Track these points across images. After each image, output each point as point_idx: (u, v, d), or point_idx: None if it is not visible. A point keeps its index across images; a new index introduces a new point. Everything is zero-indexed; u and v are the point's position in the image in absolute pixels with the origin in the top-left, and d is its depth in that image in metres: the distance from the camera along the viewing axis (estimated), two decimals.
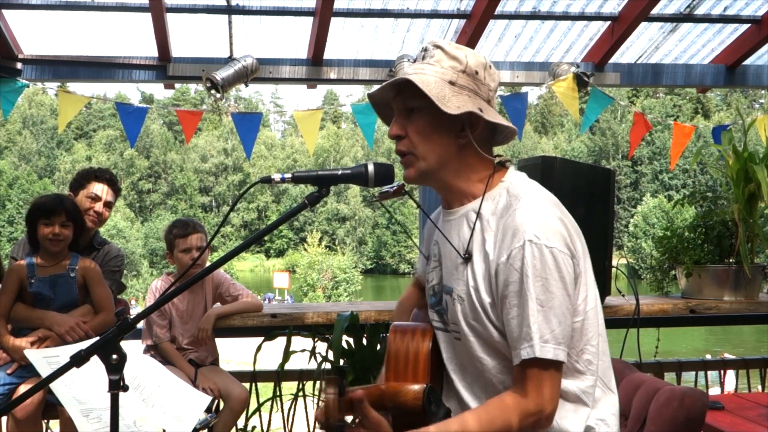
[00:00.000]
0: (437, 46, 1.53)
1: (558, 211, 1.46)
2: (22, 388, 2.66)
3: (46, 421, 3.01)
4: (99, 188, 3.18)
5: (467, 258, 1.50)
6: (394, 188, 1.78)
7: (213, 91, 3.67)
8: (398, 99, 1.54)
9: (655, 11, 4.06)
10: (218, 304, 3.26)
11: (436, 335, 1.61)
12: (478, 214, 1.51)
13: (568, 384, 1.44)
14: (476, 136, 1.51)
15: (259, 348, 3.23)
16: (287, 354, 3.18)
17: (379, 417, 1.37)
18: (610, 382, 1.53)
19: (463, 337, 1.51)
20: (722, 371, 3.92)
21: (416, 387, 1.46)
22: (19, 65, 3.86)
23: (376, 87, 1.57)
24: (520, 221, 1.40)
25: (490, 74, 1.55)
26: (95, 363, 1.35)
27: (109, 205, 3.23)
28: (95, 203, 3.16)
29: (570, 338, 1.41)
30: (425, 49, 1.56)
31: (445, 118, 1.46)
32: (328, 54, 4.07)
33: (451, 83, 1.49)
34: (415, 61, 1.60)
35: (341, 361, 3.05)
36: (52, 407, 2.71)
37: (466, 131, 1.50)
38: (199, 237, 3.09)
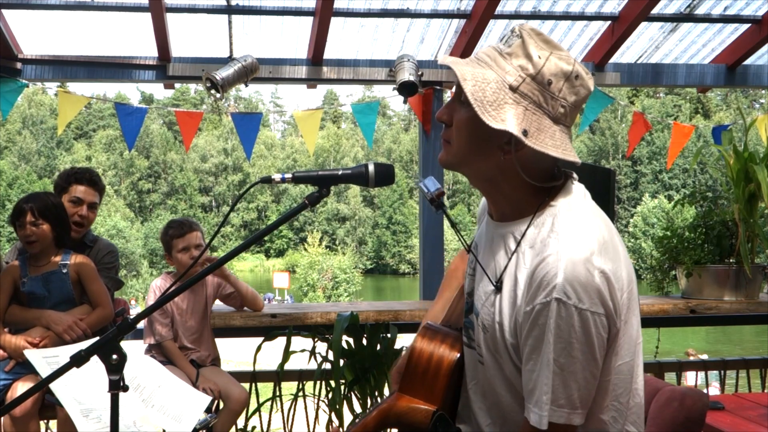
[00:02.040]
0: (519, 35, 1.29)
1: (600, 259, 1.25)
2: (19, 386, 2.66)
3: (45, 421, 3.01)
4: (80, 190, 3.11)
5: (498, 287, 1.36)
6: (435, 192, 1.60)
7: (213, 91, 3.66)
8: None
9: (655, 11, 4.05)
10: (219, 302, 3.27)
11: (463, 349, 1.51)
12: (519, 244, 1.34)
13: None
14: (524, 155, 1.30)
15: (259, 348, 3.24)
16: (287, 354, 3.19)
17: None
18: (638, 428, 1.41)
19: (485, 362, 1.42)
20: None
21: (425, 407, 1.41)
22: (19, 65, 3.86)
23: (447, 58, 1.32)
24: (553, 273, 1.23)
25: (572, 87, 1.28)
26: (95, 363, 1.34)
27: (93, 207, 3.17)
28: (78, 207, 3.10)
29: (591, 399, 1.28)
30: (512, 31, 1.32)
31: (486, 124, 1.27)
32: (328, 54, 4.07)
33: (512, 89, 1.26)
34: (502, 39, 1.35)
35: (341, 361, 3.05)
36: (50, 407, 2.71)
37: (511, 147, 1.30)
38: (196, 235, 3.08)
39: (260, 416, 3.33)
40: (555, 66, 1.27)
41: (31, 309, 2.82)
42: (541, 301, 1.23)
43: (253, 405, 3.22)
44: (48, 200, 2.87)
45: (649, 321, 3.45)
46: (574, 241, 1.26)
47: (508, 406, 1.39)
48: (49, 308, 2.81)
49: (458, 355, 1.47)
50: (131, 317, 1.36)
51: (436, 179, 1.63)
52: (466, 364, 1.50)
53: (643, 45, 4.49)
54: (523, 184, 1.34)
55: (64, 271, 2.85)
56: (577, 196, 1.37)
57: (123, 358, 1.33)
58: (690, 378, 5.69)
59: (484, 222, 1.53)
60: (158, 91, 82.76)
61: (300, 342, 3.21)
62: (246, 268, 64.66)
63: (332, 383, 3.09)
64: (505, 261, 1.36)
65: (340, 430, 1.44)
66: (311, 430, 3.34)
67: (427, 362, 1.46)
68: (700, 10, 4.23)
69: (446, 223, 3.84)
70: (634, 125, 4.52)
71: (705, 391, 3.91)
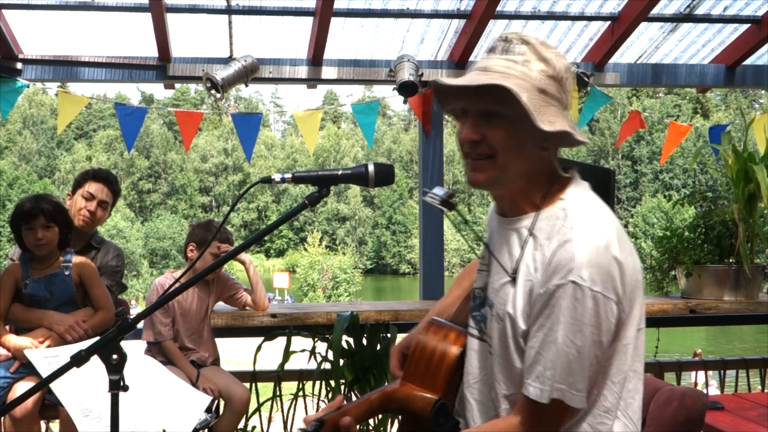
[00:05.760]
0: (525, 42, 1.36)
1: (615, 246, 1.31)
2: (20, 386, 2.66)
3: (46, 421, 3.01)
4: (94, 187, 3.13)
5: (513, 278, 1.39)
6: (446, 195, 1.59)
7: (213, 91, 3.66)
8: (476, 100, 1.37)
9: (655, 11, 4.06)
10: (221, 302, 3.28)
11: (469, 342, 1.53)
12: (532, 233, 1.38)
13: (583, 425, 1.37)
14: (554, 150, 1.40)
15: (259, 348, 3.24)
16: (287, 354, 3.19)
17: None
18: (634, 415, 1.42)
19: (494, 353, 1.45)
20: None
21: (427, 396, 1.43)
22: (19, 65, 3.86)
23: (446, 79, 1.37)
24: (570, 257, 1.28)
25: (571, 78, 1.41)
26: (95, 363, 1.35)
27: (104, 205, 3.16)
28: (88, 203, 3.11)
29: (593, 384, 1.33)
30: (508, 40, 1.37)
31: (531, 128, 1.31)
32: (328, 54, 4.07)
33: (542, 91, 1.33)
34: (491, 50, 1.39)
35: (341, 361, 3.06)
36: (51, 407, 2.71)
37: (548, 143, 1.37)
38: (228, 248, 3.17)
39: (260, 416, 3.33)
40: (563, 64, 1.37)
41: (33, 309, 2.81)
42: (556, 283, 1.29)
43: (253, 405, 3.23)
44: (52, 202, 2.86)
45: (649, 321, 3.40)
46: (590, 230, 1.32)
47: (501, 399, 1.42)
48: (51, 310, 2.81)
49: (461, 349, 1.50)
50: (131, 317, 1.36)
51: (436, 180, 1.65)
52: (475, 357, 1.51)
53: (643, 45, 4.49)
54: (546, 174, 1.41)
55: (67, 272, 2.84)
56: (585, 187, 1.44)
57: (123, 358, 1.34)
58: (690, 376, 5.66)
59: (495, 221, 1.55)
60: (158, 91, 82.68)
61: (300, 342, 3.22)
62: None
63: (332, 383, 3.09)
64: (518, 252, 1.40)
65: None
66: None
67: (431, 354, 1.48)
68: (700, 11, 4.23)
69: (446, 223, 3.84)
70: (629, 120, 4.54)
71: (705, 391, 3.92)
